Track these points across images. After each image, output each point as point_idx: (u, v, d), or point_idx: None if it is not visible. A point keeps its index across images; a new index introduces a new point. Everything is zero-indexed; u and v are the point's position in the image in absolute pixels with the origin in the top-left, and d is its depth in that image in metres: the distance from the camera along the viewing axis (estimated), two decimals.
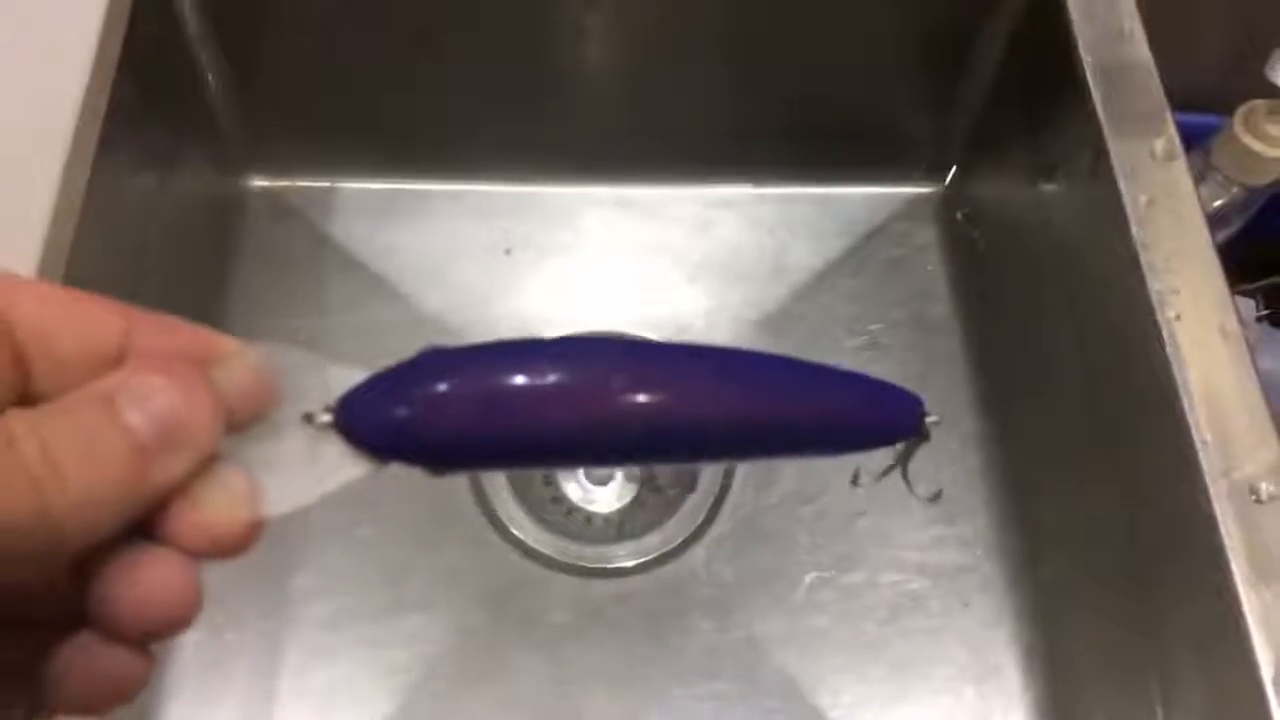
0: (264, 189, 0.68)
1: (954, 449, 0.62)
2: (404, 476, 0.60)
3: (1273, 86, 0.54)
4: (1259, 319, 0.62)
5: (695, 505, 0.60)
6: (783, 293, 0.67)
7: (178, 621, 0.20)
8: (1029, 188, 0.59)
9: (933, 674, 0.56)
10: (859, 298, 0.67)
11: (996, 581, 0.58)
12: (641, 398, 0.23)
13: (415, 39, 0.61)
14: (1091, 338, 0.53)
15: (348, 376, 0.23)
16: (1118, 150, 0.49)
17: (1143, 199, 0.48)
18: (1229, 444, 0.42)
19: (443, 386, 0.22)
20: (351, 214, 0.67)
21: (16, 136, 0.46)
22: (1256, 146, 0.56)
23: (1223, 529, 0.41)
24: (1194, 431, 0.43)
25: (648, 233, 0.68)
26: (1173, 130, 0.49)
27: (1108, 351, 0.51)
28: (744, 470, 0.61)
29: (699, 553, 0.59)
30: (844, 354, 0.64)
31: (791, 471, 0.61)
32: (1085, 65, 0.51)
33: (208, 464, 0.20)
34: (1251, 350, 0.44)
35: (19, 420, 0.18)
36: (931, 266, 0.68)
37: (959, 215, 0.68)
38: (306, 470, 0.22)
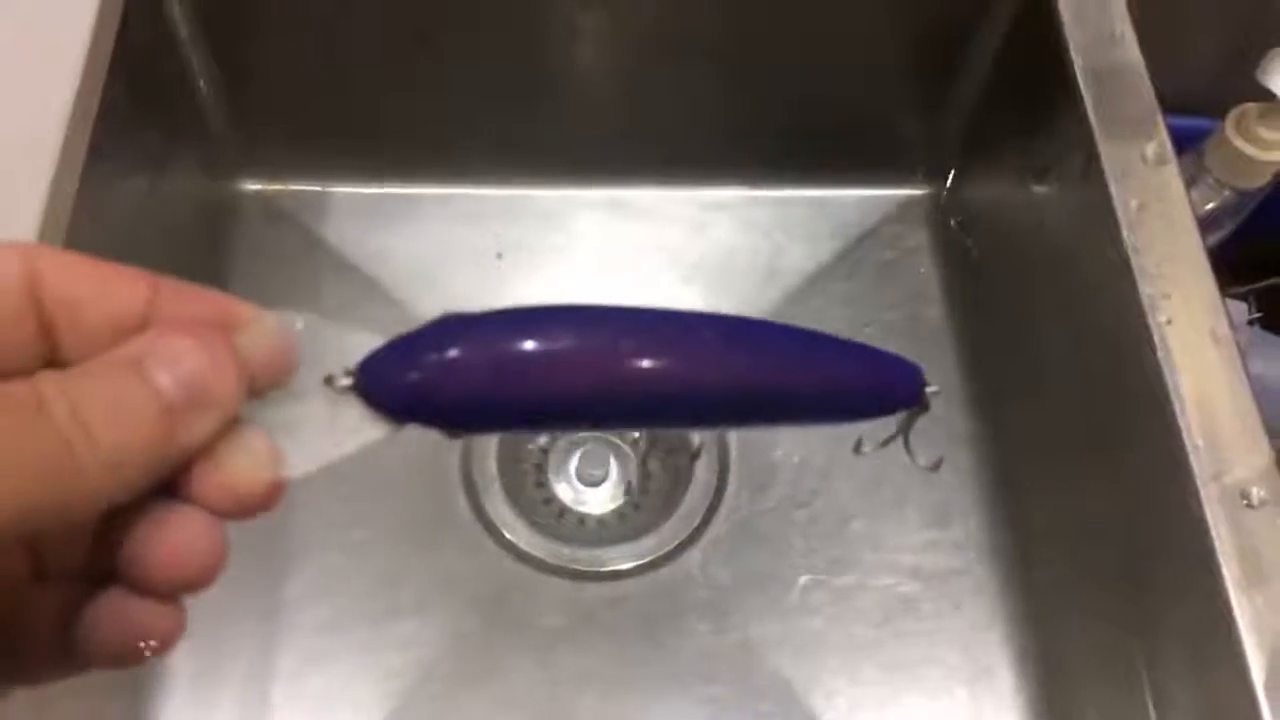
0: (256, 193, 0.68)
1: (947, 451, 0.62)
2: (397, 479, 0.60)
3: (1264, 90, 0.54)
4: (1251, 322, 0.62)
5: (690, 508, 0.60)
6: (776, 295, 0.67)
7: (204, 576, 0.21)
8: (1021, 191, 0.59)
9: (926, 676, 0.56)
10: (852, 300, 0.67)
11: (989, 584, 0.58)
12: (648, 363, 0.24)
13: (408, 42, 0.61)
14: (1084, 341, 0.53)
15: (367, 342, 0.23)
16: (1109, 154, 0.49)
17: (1134, 203, 0.48)
18: (1220, 448, 0.42)
19: (457, 351, 0.23)
20: (344, 217, 0.67)
21: (7, 141, 0.46)
22: (1248, 150, 0.56)
23: (1214, 533, 0.41)
24: (1185, 435, 0.43)
25: (641, 235, 0.68)
26: (1164, 134, 0.49)
27: (1100, 355, 0.51)
28: (738, 473, 0.61)
29: (694, 556, 0.59)
30: None
31: (786, 475, 0.61)
32: (1077, 68, 0.51)
33: (231, 426, 0.21)
34: (1243, 354, 0.44)
35: (49, 382, 0.19)
36: (925, 269, 0.68)
37: (952, 223, 0.68)
38: (326, 432, 0.23)
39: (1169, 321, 0.45)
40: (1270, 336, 0.61)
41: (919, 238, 0.69)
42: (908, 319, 0.66)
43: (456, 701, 0.55)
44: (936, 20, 0.61)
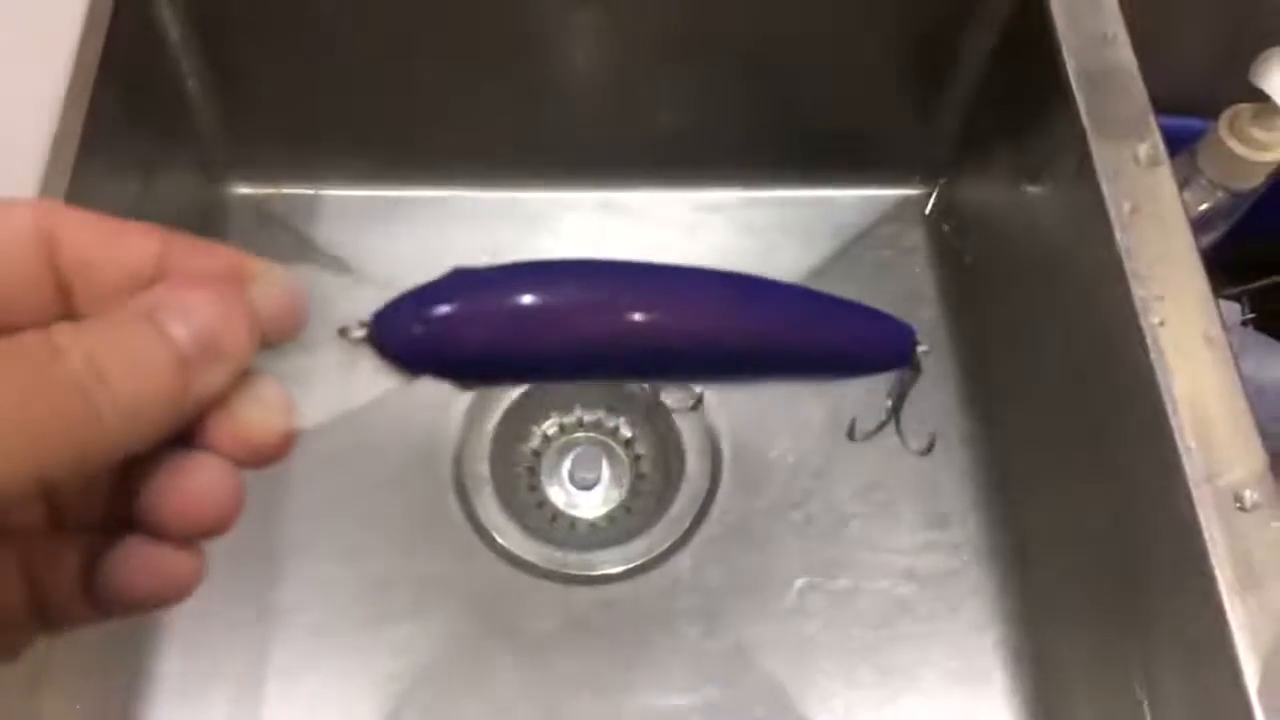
0: (246, 195, 0.67)
1: (941, 452, 0.62)
2: (389, 482, 0.59)
3: (1257, 90, 0.54)
4: (1244, 323, 0.62)
5: (682, 510, 0.60)
6: None
7: (222, 522, 0.21)
8: (1015, 191, 0.59)
9: (921, 678, 0.56)
10: None
11: (984, 586, 0.58)
12: (647, 316, 0.25)
13: (399, 43, 0.61)
14: (1077, 343, 0.53)
15: (380, 296, 0.24)
16: (1101, 155, 0.49)
17: (1126, 205, 0.48)
18: (1213, 451, 0.42)
19: (467, 303, 0.23)
20: (335, 220, 0.67)
21: None
22: (1241, 150, 0.56)
23: (1207, 536, 0.41)
24: (1178, 438, 0.43)
25: (634, 237, 0.68)
26: (1157, 135, 0.49)
27: (1093, 356, 0.51)
28: (730, 475, 0.61)
29: (686, 558, 0.59)
30: None
31: (780, 475, 0.61)
32: (1069, 70, 0.51)
33: (244, 377, 0.21)
34: (1236, 356, 0.44)
35: (64, 332, 0.19)
36: (919, 269, 0.68)
37: (945, 228, 0.68)
38: (341, 383, 0.24)
39: (1162, 323, 0.45)
40: (1264, 338, 0.61)
41: (913, 238, 0.69)
42: (903, 319, 0.66)
43: (449, 705, 0.55)
44: (930, 21, 0.61)
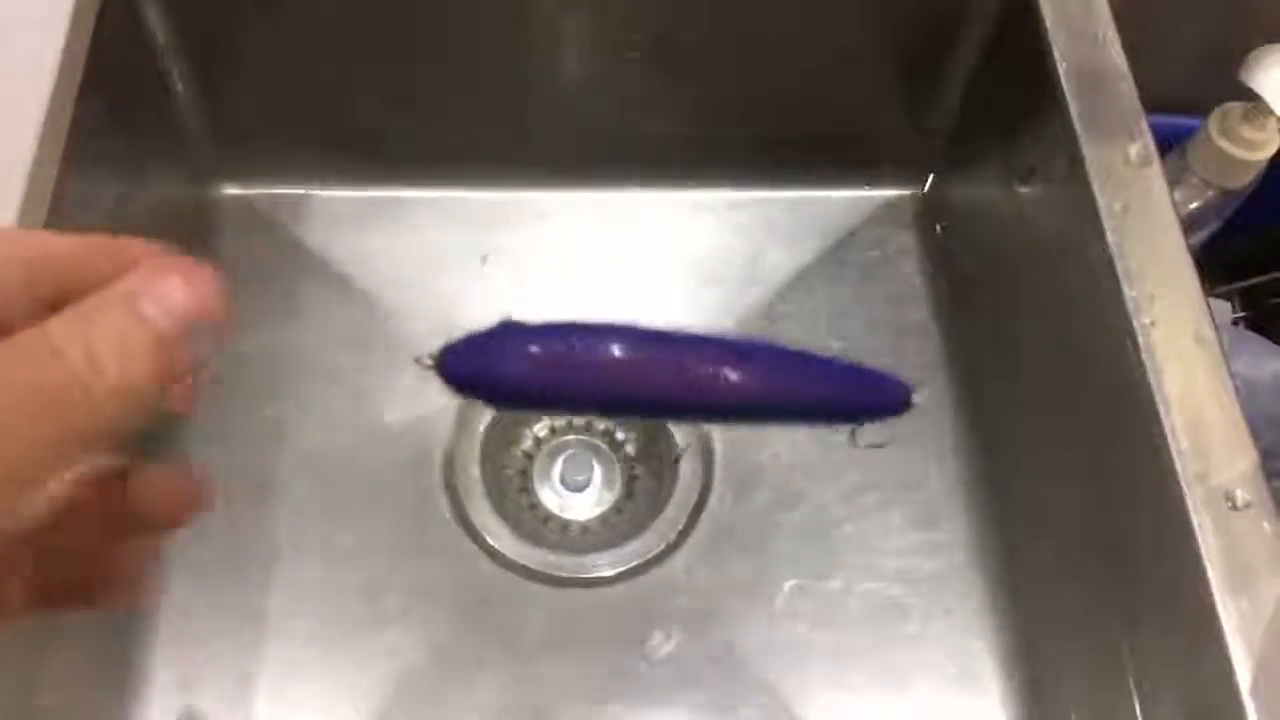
0: (235, 196, 0.67)
1: (932, 453, 0.62)
2: (381, 485, 0.59)
3: (1247, 89, 0.54)
4: (1235, 322, 0.62)
5: (674, 513, 0.60)
6: (759, 297, 0.66)
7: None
8: (1006, 192, 0.59)
9: (913, 681, 0.56)
10: (836, 301, 0.67)
11: (976, 587, 0.58)
12: (660, 376, 0.29)
13: (388, 44, 0.61)
14: (1068, 342, 0.53)
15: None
16: (1092, 156, 0.49)
17: (1117, 205, 0.48)
18: (1204, 450, 0.42)
19: (508, 351, 0.29)
20: (324, 221, 0.67)
21: None
22: (1231, 149, 0.56)
23: (1198, 535, 0.41)
24: (1169, 438, 0.43)
25: (624, 237, 0.68)
26: (1147, 135, 0.49)
27: (1084, 356, 0.51)
28: (722, 478, 0.60)
29: (677, 561, 0.58)
30: None
31: (772, 478, 0.60)
32: (1060, 70, 0.51)
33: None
34: (1226, 355, 0.44)
35: (61, 332, 0.20)
36: (909, 270, 0.68)
37: (937, 228, 0.68)
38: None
39: (1153, 323, 0.45)
40: (1254, 336, 0.61)
41: (903, 239, 0.69)
42: (892, 320, 0.66)
43: (441, 709, 0.54)
44: (921, 21, 0.61)
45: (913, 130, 0.67)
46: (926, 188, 0.70)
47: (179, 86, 0.61)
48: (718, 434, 0.61)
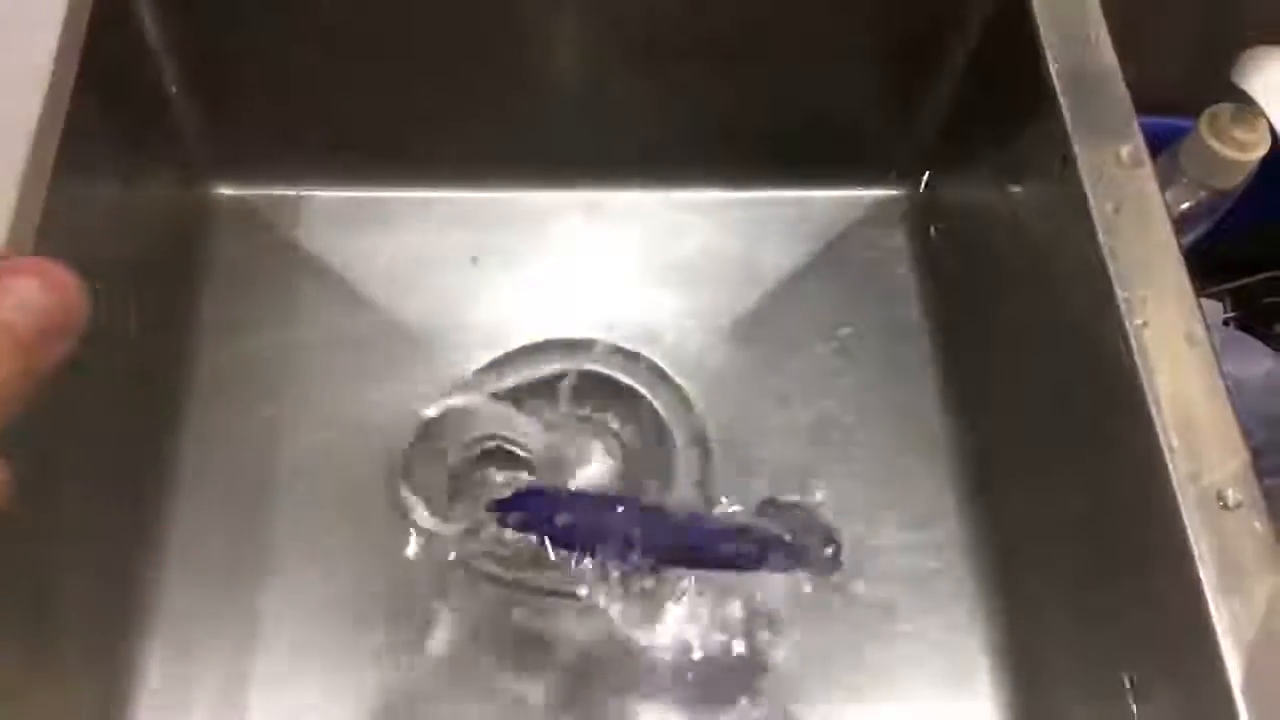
0: (229, 197, 0.67)
1: (925, 452, 0.62)
2: (375, 490, 0.59)
3: (1238, 90, 0.54)
4: (1226, 322, 0.62)
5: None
6: (753, 297, 0.67)
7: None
8: (998, 192, 0.59)
9: (905, 680, 0.56)
10: (830, 301, 0.67)
11: (967, 586, 0.58)
12: (632, 541, 0.48)
13: (383, 44, 0.61)
14: (1060, 343, 0.53)
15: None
16: (1084, 156, 0.49)
17: (1109, 206, 0.48)
18: (1196, 450, 0.42)
19: (518, 507, 0.50)
20: (318, 222, 0.67)
21: None
22: (1222, 150, 0.57)
23: (1190, 535, 0.41)
24: (1161, 437, 0.43)
25: (617, 238, 0.68)
26: (1139, 136, 0.49)
27: (1076, 356, 0.51)
28: (717, 475, 0.61)
29: None
30: (815, 358, 0.64)
31: (764, 477, 0.61)
32: (1052, 71, 0.51)
33: None
34: (1218, 356, 0.44)
35: None
36: (901, 269, 0.68)
37: (932, 231, 0.68)
38: None
39: (1145, 324, 0.45)
40: (1245, 336, 0.61)
41: (897, 238, 0.69)
42: (885, 320, 0.66)
43: (439, 710, 0.54)
44: (912, 21, 0.61)
45: (905, 130, 0.67)
46: (920, 188, 0.70)
47: (174, 87, 0.61)
48: (713, 433, 0.61)
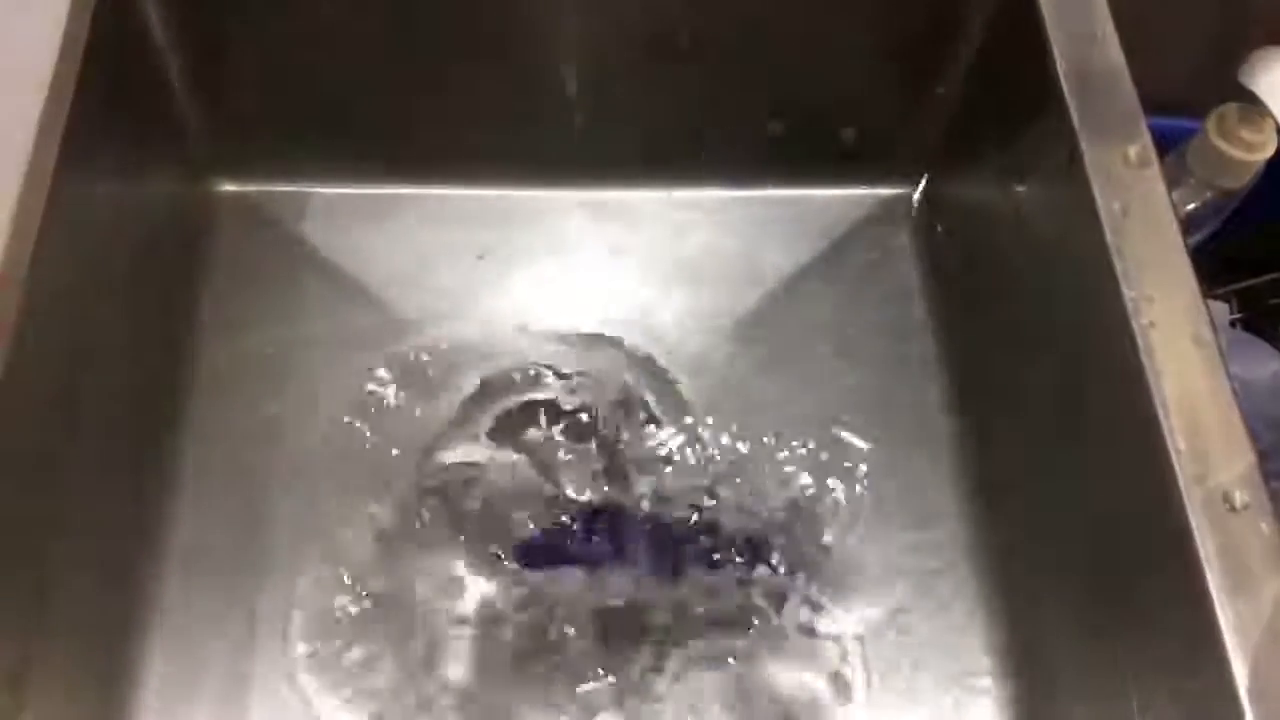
0: (234, 194, 0.67)
1: (928, 452, 0.62)
2: (375, 490, 0.59)
3: (1246, 90, 0.54)
4: (1232, 323, 0.62)
5: None
6: (756, 296, 0.66)
7: None
8: (1004, 192, 0.59)
9: (908, 680, 0.56)
10: (833, 301, 0.67)
11: (971, 586, 0.58)
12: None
13: (387, 42, 0.61)
14: (1066, 343, 0.53)
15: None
16: (1091, 156, 0.49)
17: (1116, 205, 0.48)
18: (1203, 451, 0.42)
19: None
20: (322, 218, 0.67)
21: None
22: (1229, 150, 0.56)
23: (1196, 537, 0.41)
24: (1167, 439, 0.43)
25: (620, 237, 0.68)
26: (1146, 136, 0.49)
27: (1081, 356, 0.51)
28: (717, 475, 0.60)
29: None
30: (817, 358, 0.64)
31: (765, 477, 0.60)
32: (1059, 70, 0.51)
33: None
34: (1225, 357, 0.44)
35: None
36: (906, 269, 0.68)
37: (937, 228, 0.68)
38: None
39: (1151, 324, 0.45)
40: (1252, 338, 0.61)
41: (900, 238, 0.69)
42: (890, 319, 0.66)
43: (440, 710, 0.54)
44: (915, 18, 0.61)
45: (910, 129, 0.67)
46: (924, 187, 0.70)
47: (177, 82, 0.61)
48: (713, 432, 0.61)
